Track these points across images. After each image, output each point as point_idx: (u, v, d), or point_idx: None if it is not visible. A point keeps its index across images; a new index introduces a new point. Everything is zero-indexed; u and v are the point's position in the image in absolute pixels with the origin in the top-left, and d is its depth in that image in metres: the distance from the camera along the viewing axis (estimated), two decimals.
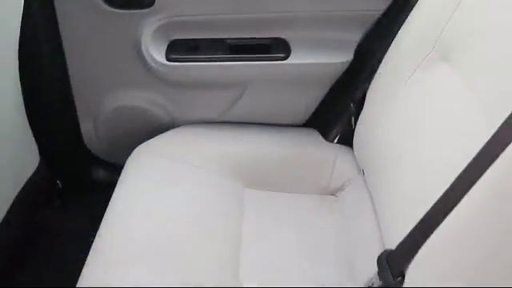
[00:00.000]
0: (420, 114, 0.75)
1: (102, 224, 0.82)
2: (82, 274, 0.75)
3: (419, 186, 0.69)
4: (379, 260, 0.68)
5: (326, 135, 1.04)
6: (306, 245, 0.84)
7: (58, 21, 0.97)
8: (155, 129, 1.07)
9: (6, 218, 0.96)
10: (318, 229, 0.88)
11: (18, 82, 0.98)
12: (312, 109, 1.06)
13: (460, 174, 0.58)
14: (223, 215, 0.88)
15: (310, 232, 0.87)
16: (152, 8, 0.95)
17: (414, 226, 0.63)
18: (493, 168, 0.53)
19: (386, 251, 0.68)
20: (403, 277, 0.63)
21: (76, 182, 1.24)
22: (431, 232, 0.59)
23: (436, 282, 0.58)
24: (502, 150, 0.52)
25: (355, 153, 0.96)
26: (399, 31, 0.85)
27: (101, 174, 1.22)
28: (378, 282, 0.67)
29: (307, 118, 1.07)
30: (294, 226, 0.88)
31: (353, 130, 0.96)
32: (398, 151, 0.78)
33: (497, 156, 0.53)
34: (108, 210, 0.85)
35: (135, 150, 0.99)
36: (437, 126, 0.70)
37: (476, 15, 0.69)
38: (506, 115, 0.54)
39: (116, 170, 0.99)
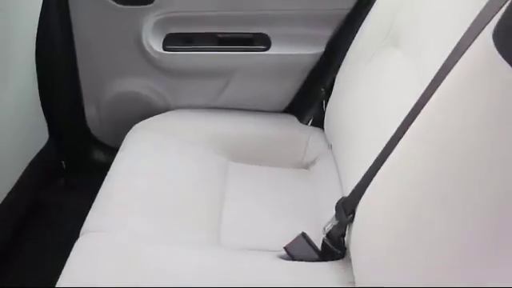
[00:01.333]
0: (375, 90, 0.90)
1: (105, 180, 0.95)
2: (86, 219, 0.88)
3: (372, 146, 0.82)
4: (336, 206, 0.81)
5: (302, 119, 1.19)
6: (280, 206, 0.97)
7: (71, 14, 1.13)
8: (151, 113, 1.20)
9: (14, 189, 1.09)
10: (291, 194, 1.01)
11: (35, 68, 1.12)
12: (290, 97, 1.20)
13: (397, 129, 0.72)
14: (210, 181, 1.01)
15: (284, 196, 1.00)
16: (152, 5, 1.11)
17: (363, 175, 0.77)
18: (417, 120, 0.67)
19: (342, 198, 0.82)
20: (354, 214, 0.76)
21: (78, 163, 1.37)
22: (374, 175, 0.73)
23: (380, 215, 0.71)
24: (422, 107, 0.67)
25: (325, 131, 1.10)
26: (362, 24, 1.01)
27: (101, 156, 1.35)
28: (334, 222, 0.80)
29: (286, 105, 1.22)
30: (270, 192, 1.02)
31: (323, 114, 1.11)
32: (357, 121, 0.92)
33: (419, 112, 0.67)
34: (110, 170, 0.98)
35: (133, 127, 1.13)
36: (387, 97, 0.85)
37: (418, 6, 0.85)
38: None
39: (115, 152, 1.13)
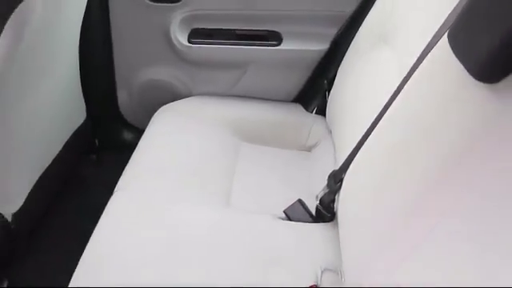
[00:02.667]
0: (368, 81, 1.04)
1: (134, 151, 1.12)
2: (119, 180, 1.05)
3: (360, 129, 0.96)
4: (328, 177, 0.97)
5: (307, 107, 1.34)
6: (283, 179, 1.13)
7: (110, 11, 1.30)
8: (175, 98, 1.37)
9: (55, 160, 1.26)
10: (293, 170, 1.17)
11: (78, 58, 1.30)
12: (297, 88, 1.36)
13: (378, 113, 0.87)
14: (224, 156, 1.17)
15: (287, 172, 1.16)
16: (179, 3, 1.27)
17: (351, 151, 0.92)
18: (391, 106, 0.82)
19: (333, 171, 0.97)
20: (341, 182, 0.91)
21: (109, 141, 1.55)
22: (358, 150, 0.88)
23: (361, 181, 0.86)
24: (396, 96, 0.82)
25: (326, 119, 1.25)
26: (361, 25, 1.16)
27: (130, 136, 1.52)
28: (326, 190, 0.95)
29: (294, 95, 1.37)
30: (275, 167, 1.17)
31: (326, 103, 1.26)
32: (352, 109, 1.07)
33: (394, 100, 0.82)
34: (139, 144, 1.15)
35: (159, 109, 1.30)
36: (374, 88, 0.99)
37: (403, 9, 0.99)
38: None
39: (142, 133, 1.29)
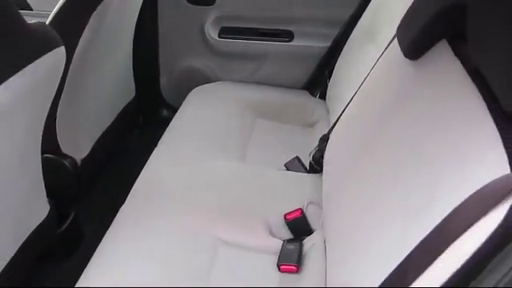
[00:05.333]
0: (358, 69, 1.33)
1: (171, 122, 1.45)
2: (161, 139, 1.37)
3: (353, 108, 1.26)
4: (319, 139, 1.27)
5: (312, 93, 1.65)
6: (287, 144, 1.43)
7: (158, 10, 1.64)
8: (205, 83, 1.69)
9: (111, 125, 1.59)
10: (297, 139, 1.47)
11: (131, 48, 1.64)
12: (305, 77, 1.67)
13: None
14: (242, 127, 1.48)
15: (292, 139, 1.46)
16: (213, 6, 1.61)
17: (336, 119, 1.22)
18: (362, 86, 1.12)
19: (323, 134, 1.27)
20: (327, 141, 1.21)
21: (151, 118, 1.89)
22: (339, 118, 1.18)
23: (341, 138, 1.15)
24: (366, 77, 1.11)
25: (326, 101, 1.56)
26: (355, 26, 1.46)
27: (168, 113, 1.86)
28: (317, 148, 1.25)
29: (303, 83, 1.68)
30: (283, 137, 1.48)
31: (327, 89, 1.57)
32: (346, 92, 1.36)
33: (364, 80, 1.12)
34: (175, 117, 1.48)
35: (192, 91, 1.62)
36: (360, 74, 1.29)
37: (384, 10, 1.28)
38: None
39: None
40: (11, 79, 0.80)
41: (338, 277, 0.86)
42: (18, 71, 0.79)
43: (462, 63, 0.74)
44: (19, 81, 0.81)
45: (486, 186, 0.50)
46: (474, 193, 0.51)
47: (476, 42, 0.67)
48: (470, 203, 0.50)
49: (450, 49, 0.80)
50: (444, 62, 0.80)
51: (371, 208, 0.81)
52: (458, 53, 0.77)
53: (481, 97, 0.65)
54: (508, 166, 0.51)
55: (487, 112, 0.61)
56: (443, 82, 0.78)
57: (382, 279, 0.62)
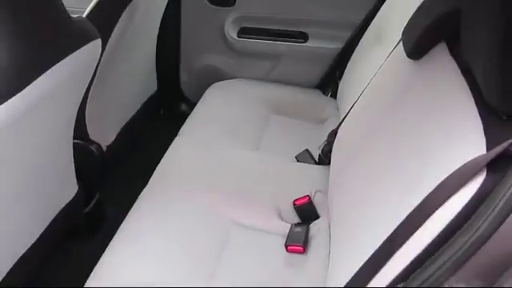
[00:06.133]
0: (366, 69, 1.42)
1: (190, 114, 1.55)
2: (180, 129, 1.47)
3: (359, 105, 1.35)
4: (328, 134, 1.36)
5: (324, 92, 1.74)
6: (299, 138, 1.52)
7: (181, 10, 1.75)
8: (224, 79, 1.79)
9: (134, 115, 1.70)
10: (308, 133, 1.56)
11: (155, 47, 1.74)
12: (318, 77, 1.76)
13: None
14: (257, 122, 1.57)
15: (304, 134, 1.55)
16: (233, 7, 1.71)
17: (344, 115, 1.31)
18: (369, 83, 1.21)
19: (332, 130, 1.35)
20: (335, 136, 1.30)
21: (171, 111, 1.99)
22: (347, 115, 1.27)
23: (347, 133, 1.24)
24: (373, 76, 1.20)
25: (337, 101, 1.64)
26: (366, 30, 1.55)
27: (187, 108, 1.96)
28: (325, 142, 1.34)
29: (316, 82, 1.77)
30: (295, 132, 1.57)
31: (338, 88, 1.66)
32: (354, 91, 1.45)
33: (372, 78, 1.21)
34: (194, 109, 1.58)
35: (210, 87, 1.72)
36: (371, 72, 1.37)
37: (393, 15, 1.37)
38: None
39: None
40: (54, 67, 0.90)
41: (339, 252, 0.95)
42: (61, 60, 0.90)
43: (457, 63, 0.83)
44: (61, 69, 0.92)
45: (464, 165, 0.59)
46: (454, 171, 0.60)
47: (466, 44, 0.76)
48: (451, 179, 0.60)
49: (447, 50, 0.89)
50: (442, 62, 0.89)
51: (371, 185, 0.90)
52: (454, 54, 0.86)
53: (470, 92, 0.74)
54: (485, 148, 0.61)
55: (474, 104, 0.71)
56: (440, 79, 0.86)
57: (379, 244, 0.71)
